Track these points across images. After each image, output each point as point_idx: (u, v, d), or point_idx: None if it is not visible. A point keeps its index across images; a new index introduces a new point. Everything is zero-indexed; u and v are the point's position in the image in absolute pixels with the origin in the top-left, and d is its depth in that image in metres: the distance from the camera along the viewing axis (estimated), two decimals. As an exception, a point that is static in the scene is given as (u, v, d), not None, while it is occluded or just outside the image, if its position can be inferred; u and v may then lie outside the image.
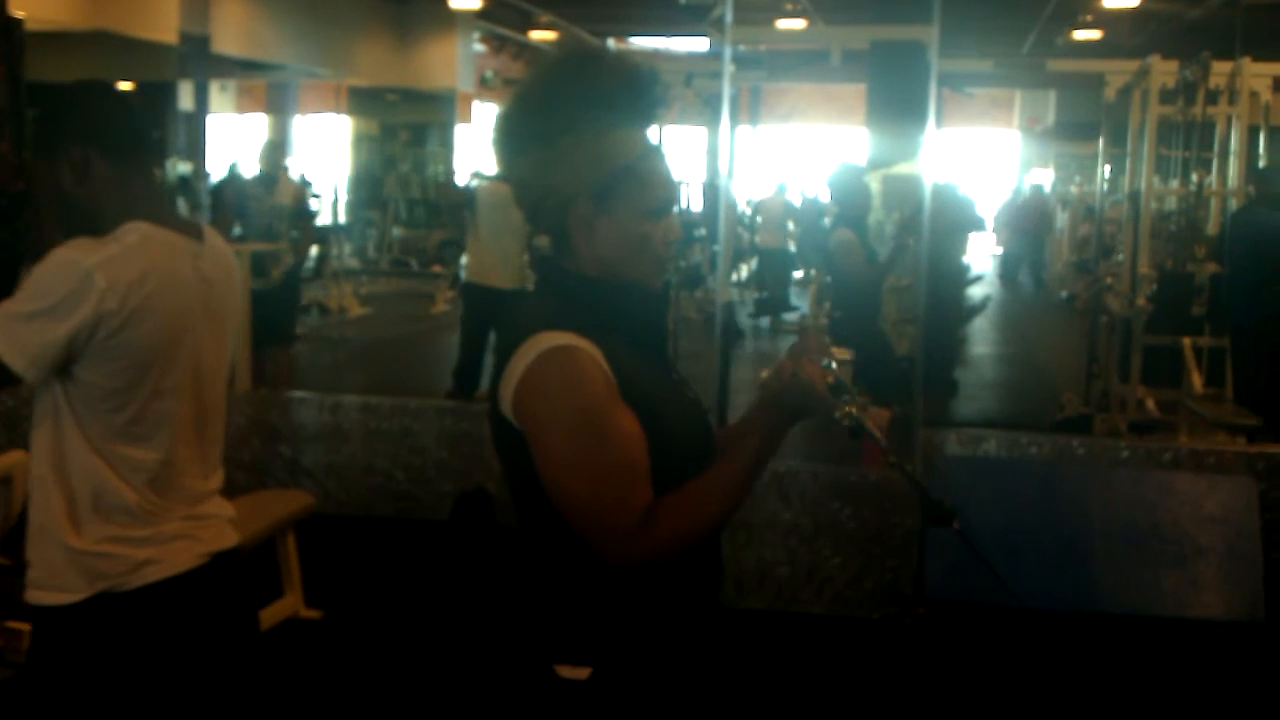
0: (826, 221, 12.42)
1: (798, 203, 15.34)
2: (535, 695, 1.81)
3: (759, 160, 21.44)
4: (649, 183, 1.81)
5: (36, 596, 2.08)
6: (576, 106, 1.79)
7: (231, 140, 18.06)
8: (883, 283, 7.00)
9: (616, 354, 1.76)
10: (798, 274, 14.97)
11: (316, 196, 11.80)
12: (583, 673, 1.78)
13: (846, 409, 1.74)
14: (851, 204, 6.68)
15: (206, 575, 2.14)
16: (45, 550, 2.07)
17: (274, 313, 7.12)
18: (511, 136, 1.84)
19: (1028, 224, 18.29)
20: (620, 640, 1.79)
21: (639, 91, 1.83)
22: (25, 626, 3.69)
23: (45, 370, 2.00)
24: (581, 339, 1.74)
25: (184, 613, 2.10)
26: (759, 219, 14.82)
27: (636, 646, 1.80)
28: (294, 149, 17.46)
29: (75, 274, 1.97)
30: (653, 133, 1.87)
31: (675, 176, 1.87)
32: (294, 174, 8.60)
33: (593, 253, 1.82)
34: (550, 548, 1.81)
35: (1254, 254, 6.76)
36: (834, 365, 1.79)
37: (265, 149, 7.89)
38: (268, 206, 7.31)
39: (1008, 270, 18.65)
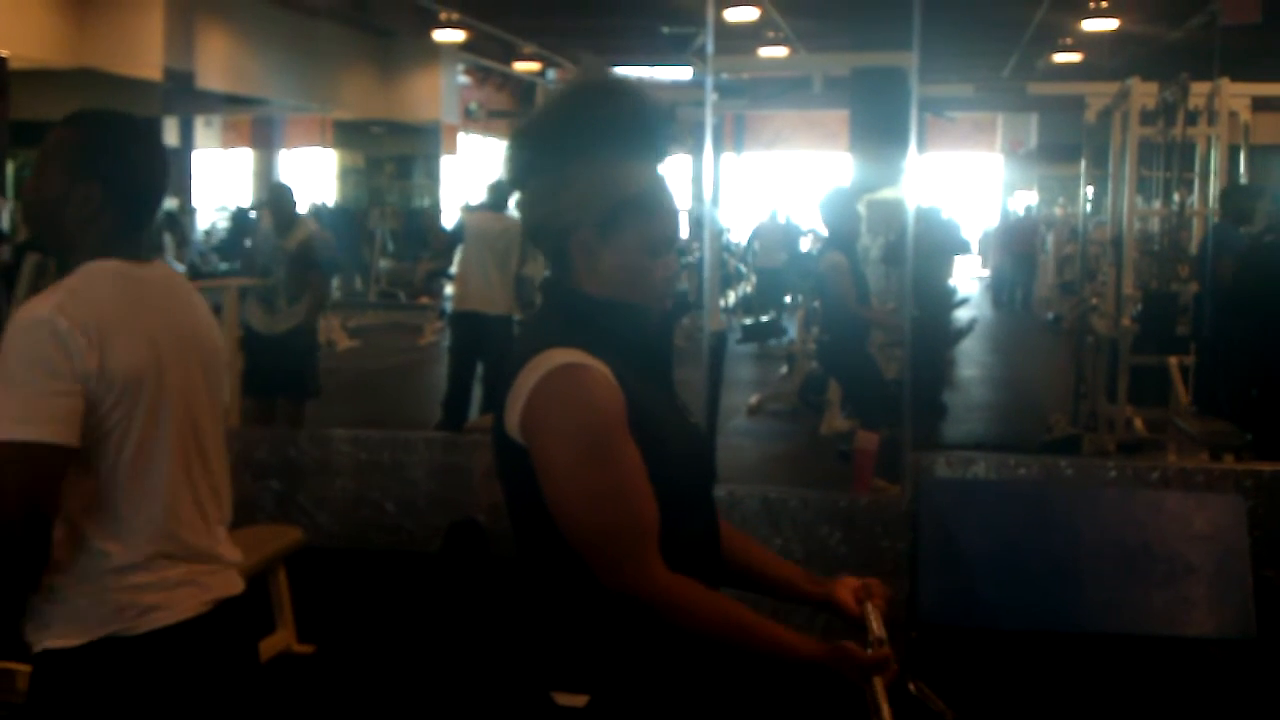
0: (806, 245, 12.53)
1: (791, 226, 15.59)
2: None
3: (745, 187, 21.53)
4: (653, 217, 1.83)
5: (38, 638, 2.07)
6: (590, 135, 1.81)
7: (217, 175, 18.09)
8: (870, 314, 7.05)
9: (623, 375, 1.77)
10: (787, 298, 15.04)
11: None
12: (580, 700, 1.78)
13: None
14: (843, 229, 6.72)
15: (212, 622, 2.12)
16: (48, 594, 2.06)
17: (288, 362, 6.99)
18: (524, 155, 1.86)
19: (1016, 247, 18.39)
20: (618, 668, 1.79)
21: (652, 126, 1.85)
22: (19, 667, 3.69)
23: (80, 428, 1.96)
24: (592, 357, 1.74)
25: (188, 659, 2.09)
26: (756, 244, 15.05)
27: (634, 674, 1.80)
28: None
29: (42, 329, 1.95)
30: (661, 168, 1.88)
31: (677, 212, 1.88)
32: (308, 216, 8.21)
33: (592, 279, 1.83)
34: (548, 573, 1.81)
35: (1226, 271, 6.90)
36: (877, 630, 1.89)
37: (276, 191, 7.56)
38: (274, 248, 7.13)
39: (998, 293, 18.73)
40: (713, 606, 1.78)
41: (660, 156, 1.87)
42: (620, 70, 17.51)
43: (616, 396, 1.74)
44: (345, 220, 17.03)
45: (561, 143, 1.82)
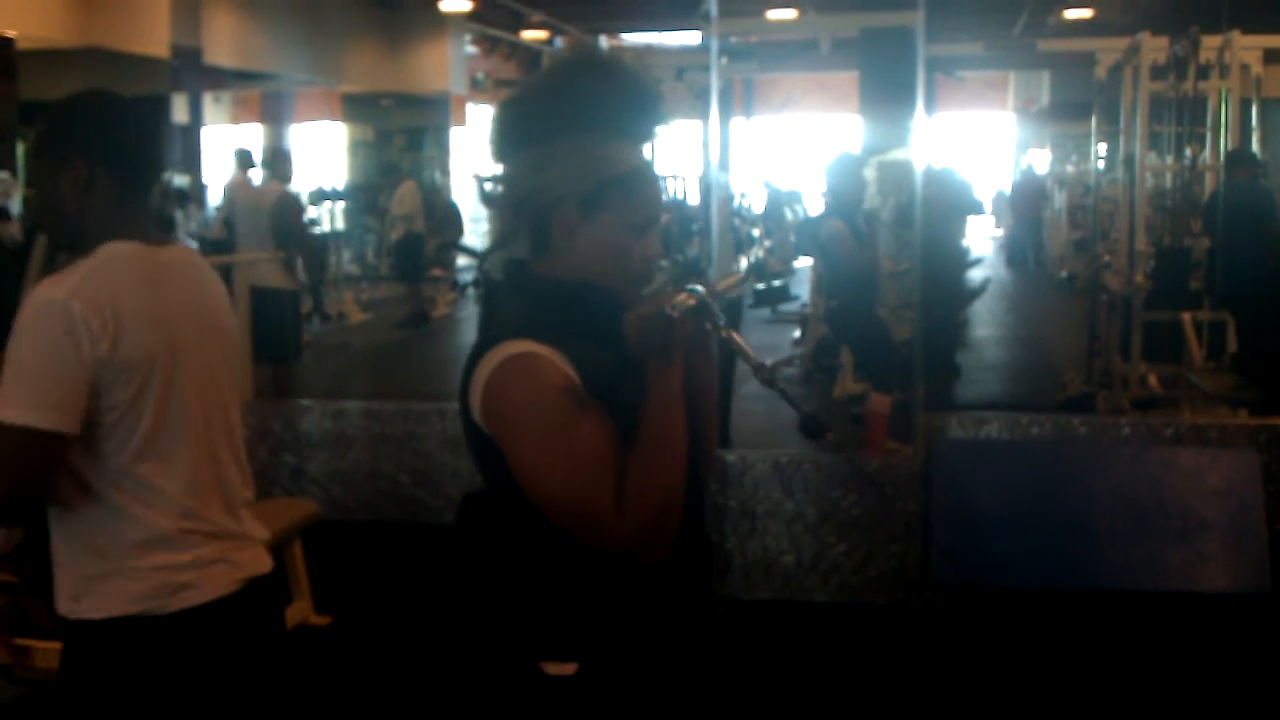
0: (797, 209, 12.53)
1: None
2: (522, 692, 1.81)
3: (755, 151, 21.43)
4: (636, 198, 1.81)
5: (70, 609, 2.07)
6: (577, 112, 1.79)
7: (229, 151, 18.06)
8: (876, 268, 7.03)
9: (583, 356, 1.77)
10: (797, 263, 15.03)
11: (303, 207, 11.56)
12: (569, 669, 1.79)
13: (678, 298, 1.70)
14: (846, 194, 6.69)
15: (243, 600, 2.14)
16: (79, 569, 2.06)
17: (273, 329, 7.02)
18: (510, 129, 1.85)
19: (1024, 206, 18.30)
20: (606, 636, 1.80)
21: (642, 106, 1.84)
22: (35, 644, 3.73)
23: (81, 415, 1.98)
24: (540, 345, 1.75)
25: (220, 637, 2.11)
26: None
27: (622, 641, 1.80)
28: (291, 157, 17.46)
29: (55, 312, 1.96)
30: (647, 150, 1.88)
31: (662, 195, 1.87)
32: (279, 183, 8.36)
33: (570, 259, 1.82)
34: (532, 545, 1.81)
35: (1232, 228, 6.91)
36: (701, 290, 1.73)
37: (239, 155, 7.69)
38: (251, 215, 7.23)
39: (1011, 252, 18.64)
40: (649, 465, 1.73)
41: (647, 137, 1.87)
42: (627, 38, 17.45)
43: (565, 378, 1.74)
44: (361, 194, 17.03)
45: (550, 117, 1.80)
